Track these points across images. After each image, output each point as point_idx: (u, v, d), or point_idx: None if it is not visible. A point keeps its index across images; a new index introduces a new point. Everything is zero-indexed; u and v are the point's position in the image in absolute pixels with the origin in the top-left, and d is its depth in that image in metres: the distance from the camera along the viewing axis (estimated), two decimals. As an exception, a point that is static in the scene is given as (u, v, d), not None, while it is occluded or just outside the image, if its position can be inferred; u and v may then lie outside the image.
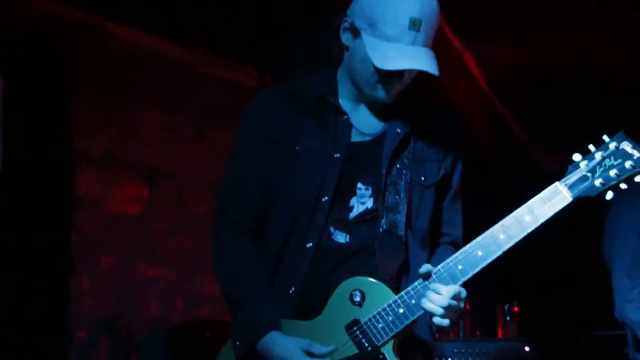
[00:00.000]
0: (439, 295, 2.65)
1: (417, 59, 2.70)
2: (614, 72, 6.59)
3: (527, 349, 5.61)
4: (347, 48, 2.80)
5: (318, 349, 2.70)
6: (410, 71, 2.76)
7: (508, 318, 6.08)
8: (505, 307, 6.08)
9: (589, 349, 5.25)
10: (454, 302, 2.66)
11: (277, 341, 2.73)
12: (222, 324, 2.98)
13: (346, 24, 2.78)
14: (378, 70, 2.72)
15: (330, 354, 2.71)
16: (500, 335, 6.09)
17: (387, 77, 2.74)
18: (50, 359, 4.91)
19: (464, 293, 2.71)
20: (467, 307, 6.12)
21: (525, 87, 6.51)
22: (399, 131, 2.85)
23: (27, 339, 4.79)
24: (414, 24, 2.70)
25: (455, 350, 5.65)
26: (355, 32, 2.76)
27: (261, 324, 2.75)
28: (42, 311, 4.91)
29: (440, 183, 2.89)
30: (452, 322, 2.71)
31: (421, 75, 2.81)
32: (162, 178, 5.62)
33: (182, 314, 5.61)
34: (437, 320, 2.67)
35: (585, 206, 2.79)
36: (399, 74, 2.74)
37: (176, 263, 5.62)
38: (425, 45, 2.72)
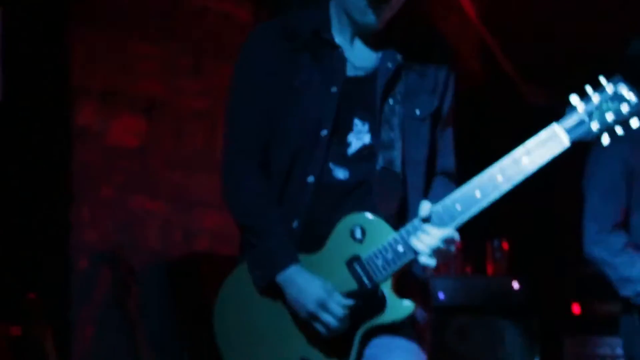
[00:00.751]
0: (429, 236, 2.69)
1: None
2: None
3: (515, 285, 5.67)
4: None
5: (337, 298, 2.74)
6: None
7: (498, 255, 6.10)
8: (495, 244, 6.11)
9: (578, 285, 5.26)
10: (443, 245, 2.70)
11: (301, 274, 2.78)
12: (219, 258, 3.03)
13: None
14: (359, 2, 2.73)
15: (346, 307, 2.75)
16: (489, 272, 6.13)
17: (374, 3, 2.74)
18: (53, 287, 4.93)
19: (457, 237, 2.75)
20: (459, 245, 6.27)
21: (516, 21, 6.48)
22: (390, 65, 2.85)
23: (29, 268, 4.83)
24: None
25: (445, 286, 5.73)
26: None
27: (284, 256, 2.79)
28: (44, 241, 4.95)
29: (434, 114, 2.90)
30: (438, 263, 2.74)
31: (412, 7, 2.84)
32: (160, 110, 5.59)
33: (180, 247, 5.62)
34: (422, 259, 2.71)
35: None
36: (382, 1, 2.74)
37: (174, 196, 5.61)
38: None
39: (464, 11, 6.50)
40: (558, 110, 2.77)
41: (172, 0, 5.62)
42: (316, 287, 2.76)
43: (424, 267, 2.80)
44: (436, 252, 2.71)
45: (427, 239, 2.70)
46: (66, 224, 5.09)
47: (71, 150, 5.13)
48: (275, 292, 2.81)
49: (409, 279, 2.85)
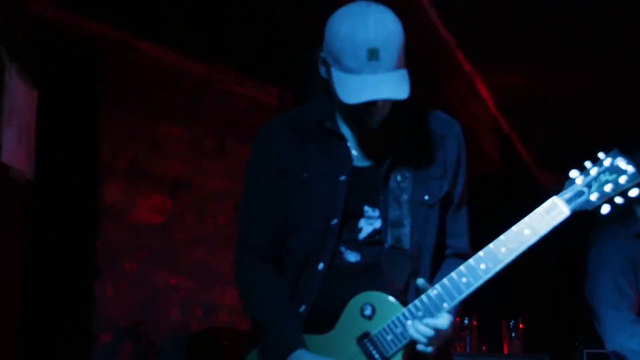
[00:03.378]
0: (423, 327, 2.69)
1: (380, 88, 2.67)
2: (615, 95, 6.61)
3: None
4: (327, 81, 2.79)
5: None
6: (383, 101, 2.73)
7: (513, 334, 6.05)
8: (511, 323, 6.06)
9: None
10: (436, 334, 2.70)
11: (306, 357, 2.76)
12: (238, 332, 3.10)
13: (321, 59, 2.78)
14: (349, 106, 2.70)
15: None
16: (505, 351, 6.06)
17: (361, 108, 2.72)
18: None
19: (448, 324, 2.73)
20: (475, 322, 6.24)
21: (532, 110, 6.54)
22: (396, 155, 2.85)
23: (52, 341, 4.88)
24: (372, 54, 2.68)
25: None
26: (328, 67, 2.76)
27: (288, 343, 2.78)
28: (68, 314, 5.01)
29: (443, 199, 2.89)
30: (434, 350, 2.73)
31: (432, 94, 2.95)
32: (183, 190, 5.70)
33: (200, 321, 5.67)
34: (420, 347, 2.71)
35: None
36: (370, 104, 2.71)
37: (195, 272, 5.69)
38: (390, 70, 2.68)
39: (481, 98, 6.56)
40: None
41: (199, 84, 5.74)
42: None
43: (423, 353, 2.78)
44: (431, 340, 2.71)
45: (422, 329, 2.71)
46: (91, 298, 5.16)
47: (99, 226, 5.23)
48: None
49: (420, 354, 2.79)
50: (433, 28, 5.68)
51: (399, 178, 2.85)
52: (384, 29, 2.69)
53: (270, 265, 2.89)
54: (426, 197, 2.86)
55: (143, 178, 5.53)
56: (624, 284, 4.07)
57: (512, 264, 2.78)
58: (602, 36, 5.85)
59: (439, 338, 2.72)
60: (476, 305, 3.25)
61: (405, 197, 2.85)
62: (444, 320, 2.70)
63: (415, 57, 2.80)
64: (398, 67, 2.70)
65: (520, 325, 6.08)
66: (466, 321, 6.12)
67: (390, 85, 2.68)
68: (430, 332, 2.69)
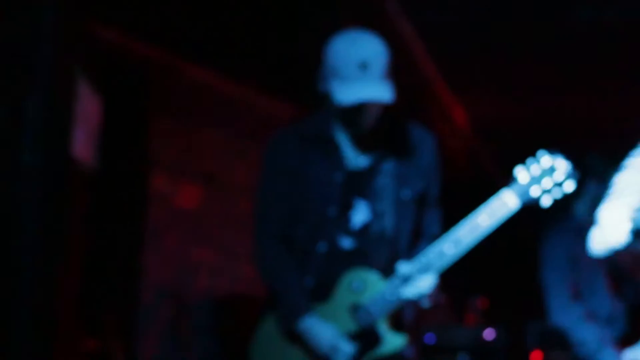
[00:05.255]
0: (414, 287, 2.82)
1: (370, 92, 2.76)
2: (591, 121, 6.66)
3: (487, 334, 5.78)
4: (325, 94, 2.87)
5: (344, 342, 2.83)
6: (372, 104, 2.81)
7: (476, 310, 6.21)
8: (474, 300, 6.23)
9: (540, 337, 5.19)
10: (426, 291, 2.84)
11: (315, 323, 2.85)
12: (257, 298, 3.24)
13: (320, 75, 2.87)
14: (344, 109, 2.80)
15: (351, 347, 2.83)
16: (469, 323, 6.25)
17: (354, 110, 2.81)
18: (127, 315, 5.16)
19: (433, 282, 2.84)
20: (445, 300, 6.33)
21: (506, 134, 6.57)
22: (382, 160, 2.92)
23: (109, 301, 5.04)
24: (363, 65, 2.76)
25: (433, 332, 5.86)
26: (326, 80, 2.85)
27: (299, 308, 2.87)
28: (121, 280, 5.20)
29: (420, 197, 2.96)
30: (425, 303, 2.87)
31: (407, 114, 2.99)
32: (216, 182, 5.83)
33: (226, 289, 5.80)
34: (410, 296, 2.84)
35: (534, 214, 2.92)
36: (361, 106, 2.80)
37: (223, 249, 5.80)
38: (378, 79, 2.77)
39: (454, 120, 6.63)
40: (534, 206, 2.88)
41: (230, 98, 5.89)
42: (328, 333, 2.84)
43: (413, 309, 2.94)
44: (421, 295, 2.83)
45: (413, 289, 2.82)
46: (139, 266, 5.33)
47: (146, 209, 5.39)
48: (296, 336, 2.89)
49: (402, 321, 2.95)
50: (416, 59, 5.70)
51: (384, 178, 2.92)
52: (372, 46, 2.82)
53: (281, 243, 2.96)
54: (406, 195, 2.94)
55: (184, 172, 5.67)
56: (564, 277, 4.13)
57: (479, 252, 2.94)
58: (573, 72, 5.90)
59: (428, 293, 2.84)
60: (447, 285, 3.27)
61: (389, 193, 2.92)
62: (426, 278, 2.83)
63: (399, 87, 2.90)
64: (385, 79, 2.82)
65: (482, 302, 6.22)
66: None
67: (378, 90, 2.78)
68: (419, 290, 2.81)
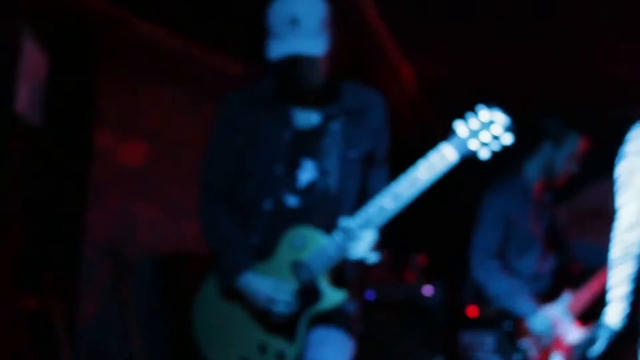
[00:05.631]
0: (355, 242, 2.87)
1: (297, 46, 2.81)
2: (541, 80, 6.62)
3: (426, 291, 5.88)
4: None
5: (283, 295, 2.89)
6: (305, 60, 2.84)
7: (416, 267, 6.27)
8: (414, 257, 6.29)
9: (477, 292, 5.13)
10: (367, 245, 2.89)
11: (253, 278, 2.90)
12: (202, 257, 3.25)
13: (266, 34, 2.92)
14: (277, 66, 2.86)
15: (290, 295, 2.88)
16: (408, 280, 6.28)
17: (289, 67, 2.85)
18: (67, 273, 5.08)
19: (375, 236, 2.89)
20: (387, 257, 6.40)
21: (452, 95, 6.42)
22: (330, 119, 2.96)
23: (49, 259, 4.97)
24: (293, 22, 2.82)
25: (374, 289, 5.93)
26: (266, 42, 2.90)
27: (239, 265, 2.93)
28: (64, 234, 5.12)
29: (367, 157, 3.01)
30: (369, 256, 2.92)
31: (359, 73, 3.04)
32: (162, 140, 5.77)
33: (171, 247, 5.75)
34: (369, 258, 2.91)
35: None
36: (294, 63, 2.84)
37: (168, 206, 5.76)
38: (309, 35, 2.82)
39: (401, 78, 6.67)
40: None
41: (179, 55, 5.82)
42: (266, 286, 2.89)
43: (355, 265, 2.97)
44: (362, 250, 2.87)
45: (354, 243, 2.86)
46: (81, 223, 5.25)
47: (89, 167, 5.31)
48: (237, 294, 2.95)
49: (343, 277, 2.98)
50: (367, 18, 5.68)
51: (331, 137, 2.97)
52: (303, 2, 2.86)
53: (226, 203, 3.01)
54: (352, 154, 2.99)
55: (128, 129, 5.60)
56: (490, 234, 4.21)
57: (420, 208, 2.98)
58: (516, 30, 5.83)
59: (365, 248, 2.88)
60: (387, 243, 3.28)
61: (335, 152, 2.97)
62: (366, 233, 2.86)
63: (350, 43, 3.00)
64: (319, 34, 2.85)
65: (422, 259, 6.29)
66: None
67: (306, 44, 2.83)
68: (362, 244, 2.86)
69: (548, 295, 4.31)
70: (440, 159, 2.83)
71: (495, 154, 2.85)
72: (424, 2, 5.59)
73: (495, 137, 2.82)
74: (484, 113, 2.83)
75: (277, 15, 2.87)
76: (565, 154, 4.26)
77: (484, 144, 2.82)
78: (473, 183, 4.43)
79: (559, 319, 4.21)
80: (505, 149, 2.86)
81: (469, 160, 2.86)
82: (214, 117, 3.09)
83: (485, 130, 2.82)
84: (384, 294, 5.94)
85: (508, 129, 2.82)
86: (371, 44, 5.98)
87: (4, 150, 3.88)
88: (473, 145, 2.82)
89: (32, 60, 4.24)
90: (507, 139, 2.81)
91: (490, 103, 2.85)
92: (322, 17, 2.87)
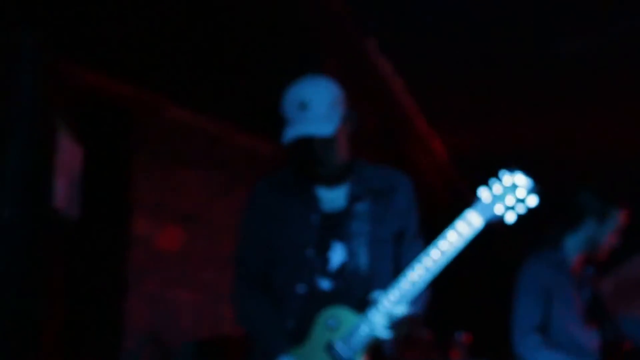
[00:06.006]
0: (382, 316, 2.83)
1: (305, 128, 2.86)
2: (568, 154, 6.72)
3: None
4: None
5: None
6: (318, 142, 2.89)
7: (460, 345, 6.15)
8: (458, 335, 6.18)
9: None
10: (396, 321, 2.84)
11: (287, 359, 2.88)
12: (241, 339, 3.26)
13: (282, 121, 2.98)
14: (290, 150, 2.91)
15: None
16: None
17: (300, 152, 2.92)
18: None
19: (403, 313, 2.84)
20: (429, 336, 6.35)
21: (482, 164, 6.68)
22: (358, 198, 3.00)
23: (88, 347, 4.96)
24: (302, 105, 2.88)
25: None
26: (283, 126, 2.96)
27: (274, 349, 2.92)
28: (103, 326, 5.12)
29: (396, 235, 3.03)
30: (395, 336, 2.87)
31: (393, 152, 3.06)
32: (197, 223, 5.80)
33: (209, 330, 5.75)
34: (382, 333, 2.84)
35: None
36: (306, 146, 2.90)
37: (206, 290, 5.76)
38: (320, 118, 2.87)
39: (433, 150, 6.71)
40: (508, 229, 2.96)
41: (211, 138, 5.88)
42: None
43: (391, 346, 2.93)
44: (392, 327, 2.83)
45: (381, 318, 2.83)
46: (121, 311, 5.25)
47: (127, 253, 5.33)
48: None
49: (381, 355, 2.95)
50: (397, 97, 5.77)
51: (358, 219, 3.00)
52: (312, 87, 2.93)
53: (259, 288, 3.03)
54: (381, 234, 3.02)
55: (164, 213, 5.63)
56: (531, 307, 4.11)
57: (463, 287, 2.98)
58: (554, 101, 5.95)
59: (399, 325, 2.86)
60: (431, 322, 3.20)
61: (363, 233, 2.99)
62: (399, 309, 2.83)
63: (382, 121, 3.02)
64: (329, 116, 2.90)
65: (467, 338, 6.18)
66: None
67: (315, 126, 2.88)
68: (387, 320, 2.82)
69: None
70: (467, 225, 2.84)
71: (533, 229, 2.87)
72: (450, 76, 5.65)
73: (520, 200, 2.83)
74: (507, 177, 2.85)
75: (288, 101, 2.94)
76: (608, 229, 4.21)
77: (509, 208, 2.83)
78: (515, 260, 4.37)
79: None
80: (544, 222, 2.87)
81: (509, 238, 2.88)
82: (243, 205, 3.13)
83: (509, 194, 2.83)
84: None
85: (532, 191, 2.82)
86: (401, 119, 6.03)
87: (44, 245, 3.90)
88: (498, 210, 2.83)
89: (68, 153, 4.27)
90: (532, 201, 2.82)
91: (512, 167, 2.87)
92: (332, 100, 2.93)
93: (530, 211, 2.84)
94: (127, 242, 5.32)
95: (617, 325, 4.43)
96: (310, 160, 2.96)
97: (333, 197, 3.03)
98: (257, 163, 5.99)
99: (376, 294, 2.88)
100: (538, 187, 2.85)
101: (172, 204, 5.69)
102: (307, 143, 2.92)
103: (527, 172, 2.88)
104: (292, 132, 2.90)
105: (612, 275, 5.34)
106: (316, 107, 2.90)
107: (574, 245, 4.25)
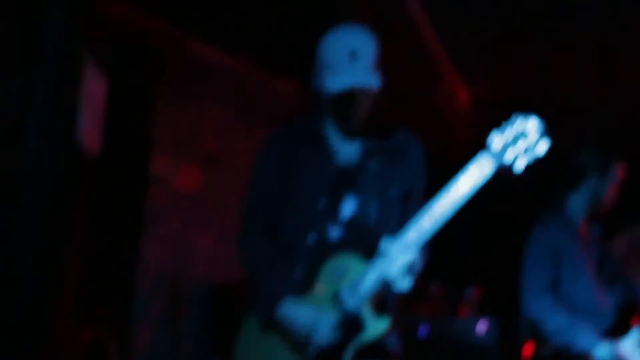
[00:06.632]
0: (396, 263, 2.79)
1: (358, 79, 2.84)
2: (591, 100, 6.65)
3: (480, 326, 5.75)
4: (318, 90, 2.93)
5: (323, 324, 2.83)
6: (361, 93, 2.88)
7: (470, 301, 6.14)
8: (468, 291, 6.16)
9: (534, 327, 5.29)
10: (408, 267, 2.81)
11: (292, 308, 2.86)
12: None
13: (313, 71, 2.93)
14: (334, 98, 2.87)
15: (331, 326, 2.82)
16: (461, 315, 6.19)
17: (344, 101, 2.89)
18: (120, 304, 5.11)
19: (416, 257, 2.82)
20: (440, 291, 6.32)
21: (506, 114, 6.75)
22: (371, 154, 2.99)
23: (104, 287, 4.99)
24: (353, 55, 2.85)
25: (426, 324, 5.82)
26: (319, 75, 2.91)
27: (276, 295, 2.87)
28: (118, 266, 5.13)
29: (405, 195, 3.02)
30: (410, 282, 2.83)
31: (417, 97, 3.01)
32: (218, 164, 5.75)
33: (223, 275, 5.71)
34: (400, 285, 2.81)
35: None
36: (351, 96, 2.87)
37: (222, 233, 5.72)
38: (367, 69, 2.85)
39: (458, 98, 6.68)
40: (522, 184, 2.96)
41: (235, 77, 5.81)
42: (305, 315, 2.85)
43: (395, 294, 2.89)
44: (401, 273, 2.81)
45: (395, 266, 2.80)
46: (136, 253, 5.24)
47: (145, 192, 5.30)
48: (277, 326, 2.90)
49: (385, 305, 2.94)
50: (425, 41, 5.69)
51: (371, 175, 2.99)
52: (362, 37, 2.90)
53: (266, 235, 3.00)
54: (392, 192, 3.00)
55: (184, 153, 5.58)
56: (540, 269, 4.08)
57: (474, 242, 2.89)
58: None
59: (408, 271, 2.82)
60: (441, 276, 3.16)
61: (374, 189, 2.99)
62: (407, 255, 2.80)
63: (408, 66, 2.93)
64: (375, 68, 2.89)
65: (477, 293, 6.16)
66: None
67: (367, 78, 2.85)
68: (401, 266, 2.78)
69: (613, 334, 4.09)
70: (478, 170, 2.83)
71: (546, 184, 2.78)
72: (479, 24, 5.62)
73: (531, 146, 2.82)
74: (519, 122, 2.85)
75: (334, 48, 2.88)
76: (609, 184, 4.19)
77: (520, 154, 2.82)
78: (527, 218, 4.34)
79: (629, 354, 4.05)
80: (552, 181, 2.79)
81: (522, 195, 2.80)
82: (257, 156, 3.10)
83: (521, 139, 2.83)
84: (437, 329, 5.83)
85: (543, 135, 2.81)
86: (428, 65, 5.99)
87: (67, 180, 3.87)
88: (509, 155, 2.82)
89: (93, 86, 4.22)
90: (543, 147, 2.81)
91: (527, 112, 2.85)
92: (377, 53, 2.91)
93: (544, 163, 2.80)
94: (145, 181, 5.29)
95: (631, 286, 4.35)
96: (346, 111, 2.94)
97: (347, 151, 3.01)
98: (280, 105, 5.91)
99: (384, 242, 2.85)
100: (550, 131, 2.81)
101: (193, 144, 5.65)
102: (351, 93, 2.89)
103: (551, 122, 2.83)
104: (345, 81, 2.85)
105: (622, 236, 5.33)
106: (366, 58, 2.87)
107: (577, 205, 4.21)
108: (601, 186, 4.19)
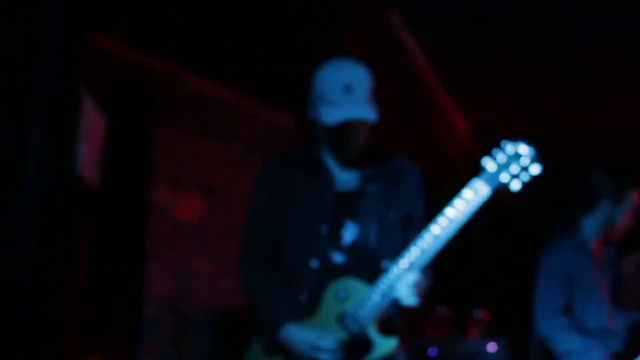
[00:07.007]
0: (404, 282, 2.85)
1: (353, 112, 2.88)
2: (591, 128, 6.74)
3: (490, 347, 5.83)
4: (315, 121, 2.98)
5: (328, 339, 2.88)
6: (357, 125, 2.92)
7: (479, 322, 6.20)
8: (476, 313, 6.22)
9: (543, 349, 5.28)
10: (415, 285, 2.86)
11: (295, 330, 2.91)
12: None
13: (308, 103, 2.98)
14: (330, 130, 2.91)
15: (335, 343, 2.88)
16: (470, 336, 6.25)
17: (340, 132, 2.92)
18: (127, 329, 5.17)
19: (419, 278, 2.87)
20: (448, 312, 6.36)
21: (502, 138, 6.68)
22: (370, 180, 3.03)
23: (108, 314, 5.05)
24: (347, 88, 2.89)
25: (436, 345, 5.90)
26: (314, 106, 2.95)
27: (279, 319, 2.93)
28: (122, 292, 5.21)
29: (406, 219, 3.07)
30: (418, 300, 2.87)
31: (416, 128, 3.09)
32: (216, 193, 5.84)
33: (226, 300, 5.78)
34: (405, 300, 2.86)
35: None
36: (347, 128, 2.91)
37: (223, 260, 5.76)
38: (362, 102, 2.90)
39: (455, 126, 6.74)
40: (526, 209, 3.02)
41: (231, 109, 5.89)
42: (309, 336, 2.88)
43: (400, 314, 2.94)
44: (414, 291, 2.85)
45: (404, 285, 2.85)
46: (141, 280, 5.33)
47: (147, 221, 5.39)
48: (281, 349, 2.95)
49: (391, 325, 2.97)
50: (420, 72, 5.78)
51: (370, 200, 3.04)
52: (356, 71, 2.95)
53: (264, 264, 3.05)
54: (392, 215, 3.05)
55: (184, 183, 5.67)
56: (554, 291, 4.12)
57: (482, 264, 2.97)
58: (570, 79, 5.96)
59: (418, 290, 2.87)
60: (449, 298, 3.14)
61: (374, 213, 3.03)
62: (409, 276, 2.86)
63: (404, 96, 3.04)
64: (370, 102, 2.94)
65: (485, 315, 6.22)
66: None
67: (362, 110, 2.90)
68: (410, 285, 2.84)
69: (624, 356, 4.15)
70: (474, 194, 2.88)
71: (553, 208, 2.88)
72: (473, 53, 5.66)
73: (524, 169, 2.88)
74: (510, 147, 2.90)
75: (329, 82, 2.93)
76: (623, 210, 4.23)
77: (514, 176, 2.88)
78: (535, 240, 4.39)
79: None
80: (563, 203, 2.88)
81: (531, 218, 2.88)
82: (254, 186, 3.15)
83: (513, 163, 2.88)
84: (446, 350, 5.90)
85: (534, 159, 2.87)
86: (423, 95, 6.05)
87: (66, 213, 3.94)
88: (504, 178, 2.88)
89: (91, 121, 4.30)
90: (536, 170, 2.87)
91: (515, 138, 2.91)
92: (371, 87, 2.96)
93: (545, 186, 2.91)
94: (147, 211, 5.39)
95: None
96: (343, 142, 2.98)
97: (346, 178, 3.06)
98: (277, 135, 6.02)
99: (386, 263, 2.92)
100: (540, 156, 2.88)
101: (192, 174, 5.74)
102: (347, 125, 2.93)
103: (548, 150, 2.92)
104: (340, 114, 2.89)
105: (632, 256, 5.35)
106: (360, 92, 2.92)
107: (591, 227, 4.24)
108: (615, 211, 4.20)
